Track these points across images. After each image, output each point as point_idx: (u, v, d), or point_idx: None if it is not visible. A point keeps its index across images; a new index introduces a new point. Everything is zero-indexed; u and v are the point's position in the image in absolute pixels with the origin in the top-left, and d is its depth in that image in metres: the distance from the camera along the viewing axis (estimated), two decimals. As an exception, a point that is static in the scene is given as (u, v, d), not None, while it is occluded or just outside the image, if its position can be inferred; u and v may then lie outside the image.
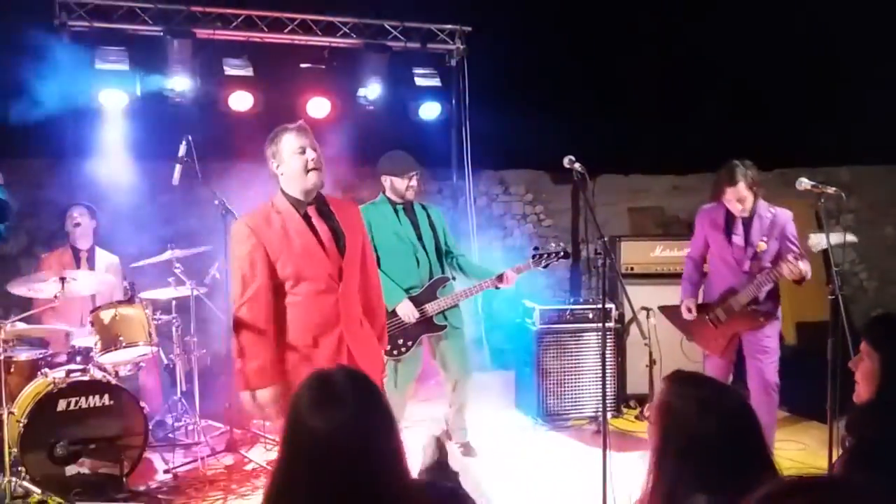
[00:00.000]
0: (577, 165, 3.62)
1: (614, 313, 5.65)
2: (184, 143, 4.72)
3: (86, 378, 4.35)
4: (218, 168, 5.97)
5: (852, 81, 6.89)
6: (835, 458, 3.54)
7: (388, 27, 6.59)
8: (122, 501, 4.11)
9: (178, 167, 4.73)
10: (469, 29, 6.78)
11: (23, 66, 5.31)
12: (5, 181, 4.31)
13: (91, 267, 5.31)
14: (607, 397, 4.20)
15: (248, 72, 6.19)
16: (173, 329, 5.26)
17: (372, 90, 6.50)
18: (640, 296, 5.40)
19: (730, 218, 4.53)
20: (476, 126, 6.84)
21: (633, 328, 5.54)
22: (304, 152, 3.01)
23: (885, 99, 6.45)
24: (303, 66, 6.41)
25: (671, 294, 4.97)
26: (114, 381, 4.46)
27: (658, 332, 5.23)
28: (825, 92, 6.88)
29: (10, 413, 4.09)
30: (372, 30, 6.55)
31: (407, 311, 4.41)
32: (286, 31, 6.37)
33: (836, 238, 4.02)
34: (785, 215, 4.48)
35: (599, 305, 5.59)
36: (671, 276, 5.81)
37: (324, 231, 3.06)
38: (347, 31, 6.49)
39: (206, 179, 4.86)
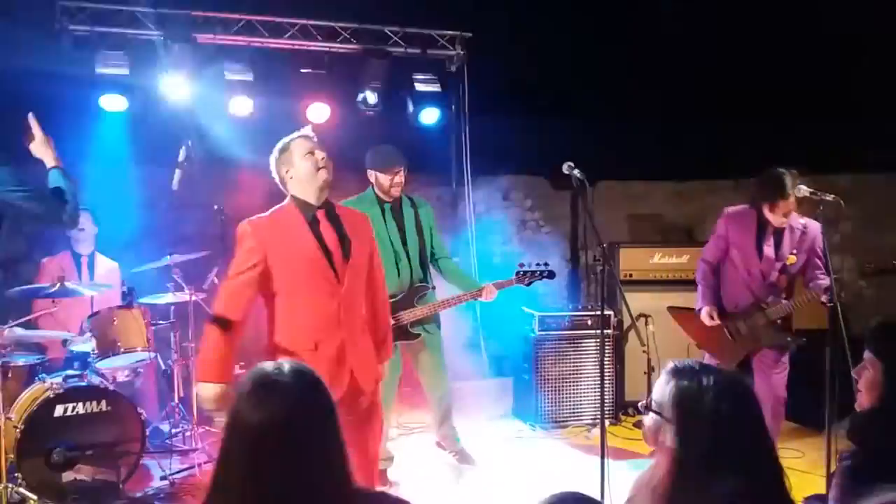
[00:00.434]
0: (576, 172, 3.63)
1: (613, 320, 5.65)
2: (184, 147, 4.73)
3: (83, 384, 4.35)
4: (217, 173, 5.97)
5: (853, 88, 6.89)
6: (832, 466, 3.53)
7: (388, 33, 6.59)
8: (118, 508, 4.11)
9: (177, 172, 4.73)
10: (469, 35, 6.78)
11: (23, 70, 5.31)
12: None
13: (91, 272, 5.31)
14: (605, 404, 4.19)
15: (249, 77, 6.18)
16: (171, 335, 5.25)
17: (372, 96, 6.50)
18: (639, 303, 5.41)
19: (761, 226, 4.39)
20: (476, 132, 6.84)
21: (632, 335, 5.54)
22: (313, 153, 3.12)
23: (885, 106, 6.46)
24: (303, 71, 6.41)
25: (670, 301, 4.96)
26: (111, 387, 4.46)
27: (657, 340, 5.23)
28: (825, 99, 6.88)
29: (7, 418, 4.08)
30: (372, 35, 6.55)
31: None
32: (286, 36, 6.37)
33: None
34: (816, 228, 4.34)
35: (598, 312, 5.60)
36: (670, 283, 5.82)
37: (330, 235, 3.11)
38: (348, 36, 6.49)
39: (206, 184, 4.86)
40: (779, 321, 4.41)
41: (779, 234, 4.38)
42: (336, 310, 3.06)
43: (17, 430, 4.06)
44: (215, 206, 4.67)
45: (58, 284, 4.40)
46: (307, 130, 3.23)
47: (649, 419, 1.83)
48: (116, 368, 4.78)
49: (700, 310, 4.52)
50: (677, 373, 1.81)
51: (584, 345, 5.63)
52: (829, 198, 4.02)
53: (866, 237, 7.72)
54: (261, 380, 1.61)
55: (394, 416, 5.18)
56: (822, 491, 3.40)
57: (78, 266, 5.28)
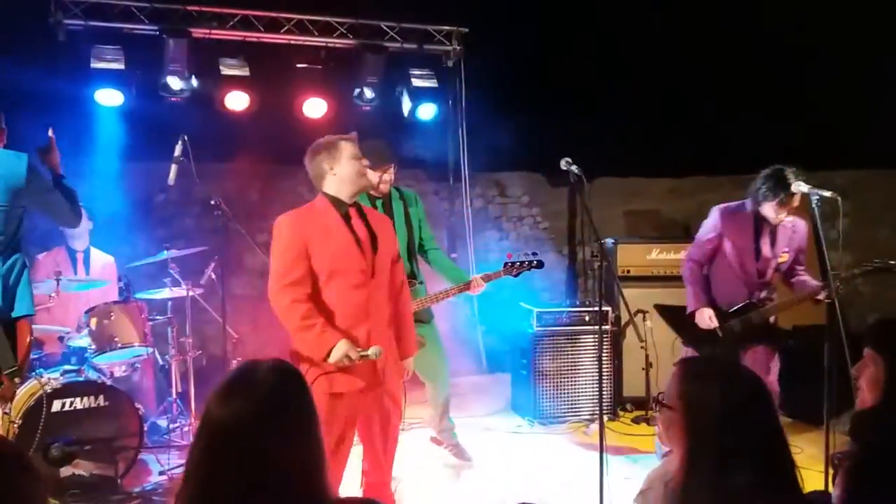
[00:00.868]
0: (573, 168, 3.62)
1: (611, 316, 5.64)
2: (180, 142, 4.70)
3: (81, 379, 4.34)
4: (214, 168, 5.96)
5: (849, 85, 6.90)
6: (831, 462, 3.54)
7: (384, 28, 6.58)
8: (116, 503, 4.10)
9: (173, 167, 4.70)
10: (466, 30, 6.78)
11: (18, 65, 5.28)
12: None
13: (87, 268, 5.29)
14: (604, 400, 4.19)
15: (245, 71, 6.17)
16: (169, 330, 5.24)
17: (368, 91, 6.49)
18: (637, 298, 5.40)
19: (758, 224, 4.37)
20: (473, 128, 6.83)
21: (630, 331, 5.54)
22: (359, 159, 3.36)
23: (882, 103, 6.47)
24: (299, 66, 6.40)
25: (667, 297, 4.95)
26: (109, 382, 4.45)
27: (654, 335, 5.23)
28: (822, 95, 6.89)
29: (5, 414, 4.07)
30: (369, 30, 6.54)
31: None
32: (283, 31, 6.36)
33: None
34: (803, 227, 4.38)
35: (596, 308, 5.61)
36: (667, 279, 5.82)
37: (361, 230, 3.30)
38: (344, 31, 6.48)
39: (202, 179, 4.84)
40: (773, 319, 4.42)
41: (774, 232, 4.38)
42: (366, 301, 3.21)
43: (15, 426, 4.04)
44: (212, 201, 4.64)
45: (55, 280, 4.39)
46: (353, 136, 3.48)
47: (662, 415, 1.83)
48: (114, 363, 4.77)
49: (694, 311, 4.42)
50: (686, 367, 1.82)
51: (582, 340, 5.63)
52: (827, 194, 4.02)
53: (862, 234, 7.75)
54: (234, 376, 1.56)
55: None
56: (821, 487, 3.41)
57: (73, 261, 5.26)
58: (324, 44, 6.45)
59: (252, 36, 6.31)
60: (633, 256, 6.10)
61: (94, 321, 4.57)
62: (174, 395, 5.25)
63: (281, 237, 3.22)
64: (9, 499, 1.32)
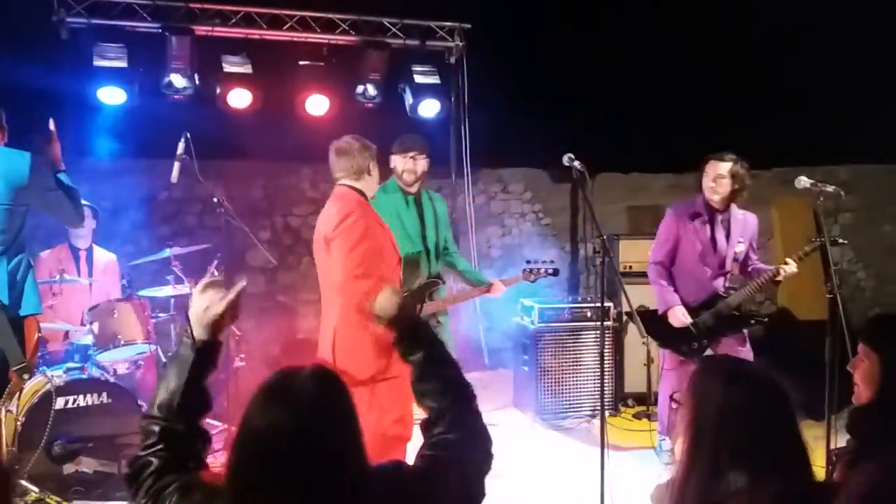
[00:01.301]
0: (576, 163, 3.63)
1: (613, 312, 5.65)
2: (182, 140, 4.71)
3: (84, 376, 4.36)
4: (217, 165, 5.97)
5: (852, 80, 6.89)
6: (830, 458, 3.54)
7: (387, 24, 6.57)
8: (120, 500, 4.11)
9: (176, 164, 4.72)
10: (468, 26, 6.76)
11: (20, 63, 5.29)
12: None
13: (90, 266, 5.30)
14: (605, 396, 4.20)
15: (247, 69, 6.17)
16: (171, 327, 5.25)
17: (371, 87, 6.49)
18: (639, 294, 5.39)
19: (711, 217, 4.52)
20: (475, 124, 6.82)
21: (632, 327, 5.54)
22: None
23: (885, 98, 6.45)
24: (301, 63, 6.38)
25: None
26: (112, 380, 4.47)
27: (656, 331, 5.23)
28: (824, 91, 6.88)
29: (8, 411, 4.09)
30: (371, 27, 6.54)
31: None
32: (285, 27, 6.35)
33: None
34: (754, 220, 4.58)
35: (598, 304, 5.60)
36: (670, 275, 5.81)
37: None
38: (346, 28, 6.47)
39: (205, 177, 4.86)
40: (741, 306, 4.48)
41: (727, 223, 4.52)
42: (398, 287, 3.42)
43: (18, 423, 4.06)
44: (214, 199, 4.66)
45: (58, 277, 4.40)
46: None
47: (678, 410, 1.84)
48: (117, 361, 4.78)
49: (666, 311, 4.51)
50: (700, 364, 1.83)
51: (583, 336, 5.63)
52: (830, 189, 4.04)
53: (865, 228, 7.74)
54: (271, 384, 1.54)
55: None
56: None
57: (76, 259, 5.27)
58: (326, 41, 6.44)
59: (254, 33, 6.31)
60: (635, 252, 6.10)
61: (97, 318, 4.58)
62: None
63: (348, 220, 3.39)
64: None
